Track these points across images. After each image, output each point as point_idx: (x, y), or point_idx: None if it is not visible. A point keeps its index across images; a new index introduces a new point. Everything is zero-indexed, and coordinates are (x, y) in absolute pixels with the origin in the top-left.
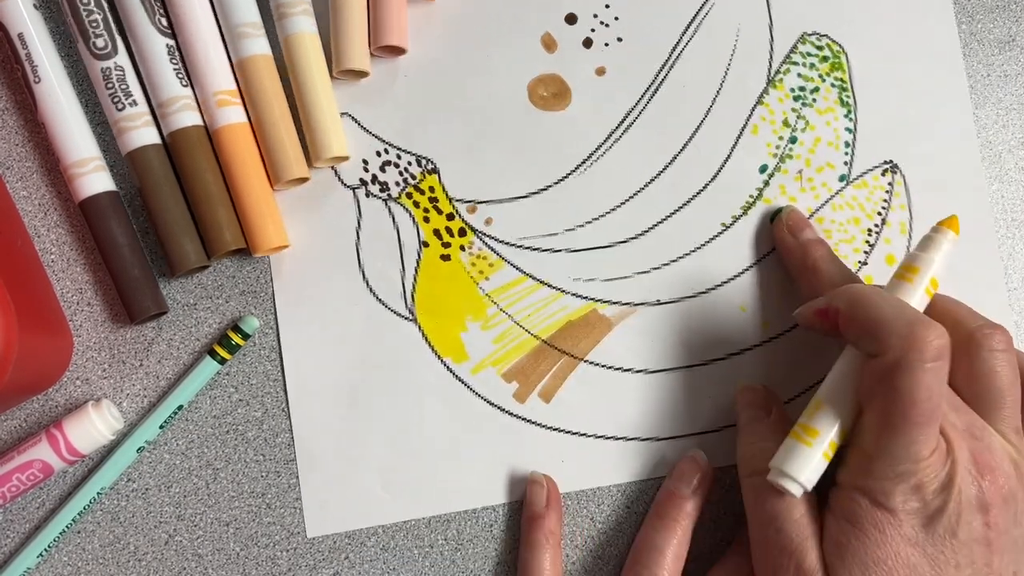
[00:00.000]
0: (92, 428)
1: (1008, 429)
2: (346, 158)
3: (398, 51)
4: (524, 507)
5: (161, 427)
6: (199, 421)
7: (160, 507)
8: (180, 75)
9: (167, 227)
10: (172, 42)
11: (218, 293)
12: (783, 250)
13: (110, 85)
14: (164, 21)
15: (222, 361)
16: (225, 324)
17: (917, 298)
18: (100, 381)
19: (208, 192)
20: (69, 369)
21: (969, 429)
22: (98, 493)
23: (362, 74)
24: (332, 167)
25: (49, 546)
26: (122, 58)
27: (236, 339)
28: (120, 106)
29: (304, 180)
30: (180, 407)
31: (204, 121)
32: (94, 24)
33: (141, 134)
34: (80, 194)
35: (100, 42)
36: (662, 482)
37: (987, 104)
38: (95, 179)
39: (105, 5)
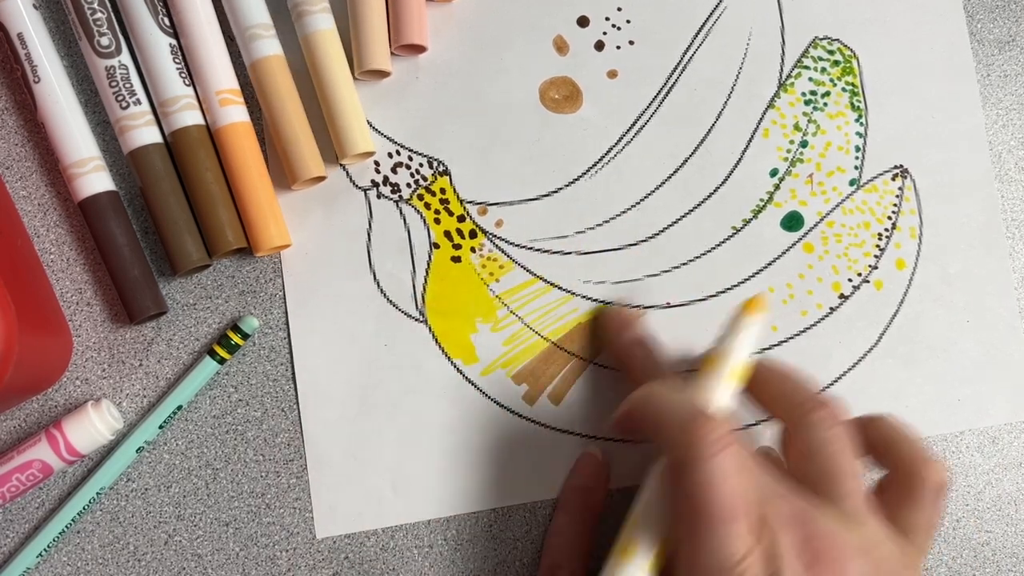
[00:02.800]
0: (92, 428)
1: (850, 509)
2: (372, 153)
3: (418, 49)
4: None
5: (160, 427)
6: (199, 421)
7: (160, 507)
8: (182, 74)
9: (168, 226)
10: (175, 41)
11: (218, 293)
12: (610, 350)
13: (114, 83)
14: (167, 20)
15: (221, 361)
16: (225, 324)
17: (717, 390)
18: (100, 381)
19: (209, 191)
20: (69, 369)
21: (797, 516)
22: (97, 493)
23: (382, 74)
24: (344, 168)
25: (49, 546)
26: (126, 57)
27: (236, 339)
28: (124, 104)
29: (321, 179)
30: (179, 407)
31: (206, 120)
32: (98, 23)
33: (143, 133)
34: (80, 194)
35: (105, 40)
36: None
37: (987, 104)
38: (95, 179)
39: (108, 4)
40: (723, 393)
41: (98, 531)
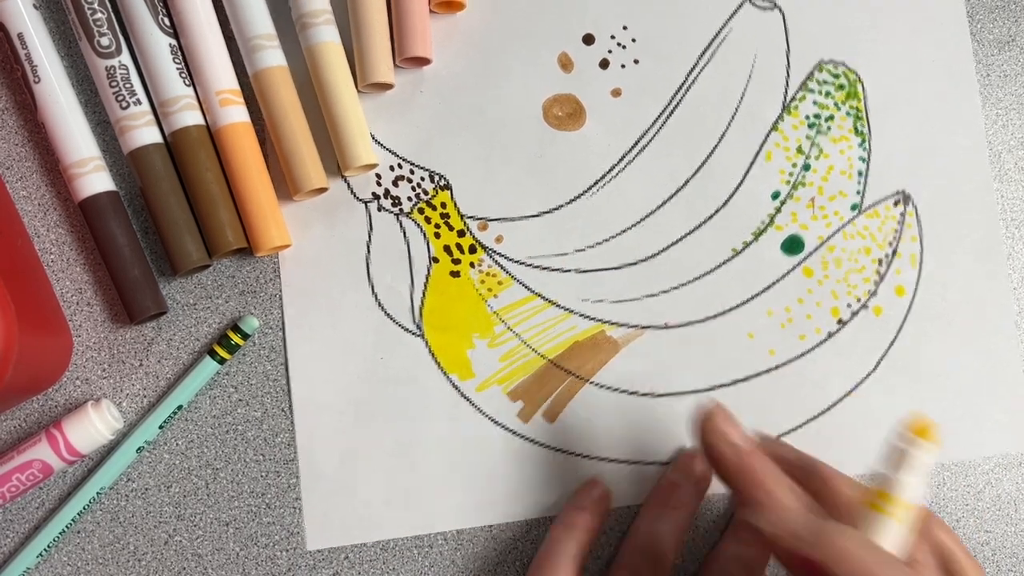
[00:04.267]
0: (92, 428)
1: None
2: (375, 165)
3: (422, 62)
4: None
5: (160, 427)
6: (199, 421)
7: (160, 507)
8: (183, 74)
9: (169, 226)
10: (175, 41)
11: (218, 293)
12: (714, 460)
13: (114, 84)
14: (167, 20)
15: (221, 361)
16: (225, 324)
17: (889, 537)
18: (100, 381)
19: (209, 192)
20: (69, 369)
21: None
22: (98, 493)
23: (386, 87)
24: (345, 180)
25: (49, 546)
26: (126, 57)
27: (236, 339)
28: (124, 104)
29: (323, 190)
30: (180, 407)
31: (206, 121)
32: (98, 23)
33: (143, 133)
34: (80, 194)
35: (105, 40)
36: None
37: (987, 104)
38: (95, 179)
39: (108, 4)
40: (897, 541)
41: (98, 531)
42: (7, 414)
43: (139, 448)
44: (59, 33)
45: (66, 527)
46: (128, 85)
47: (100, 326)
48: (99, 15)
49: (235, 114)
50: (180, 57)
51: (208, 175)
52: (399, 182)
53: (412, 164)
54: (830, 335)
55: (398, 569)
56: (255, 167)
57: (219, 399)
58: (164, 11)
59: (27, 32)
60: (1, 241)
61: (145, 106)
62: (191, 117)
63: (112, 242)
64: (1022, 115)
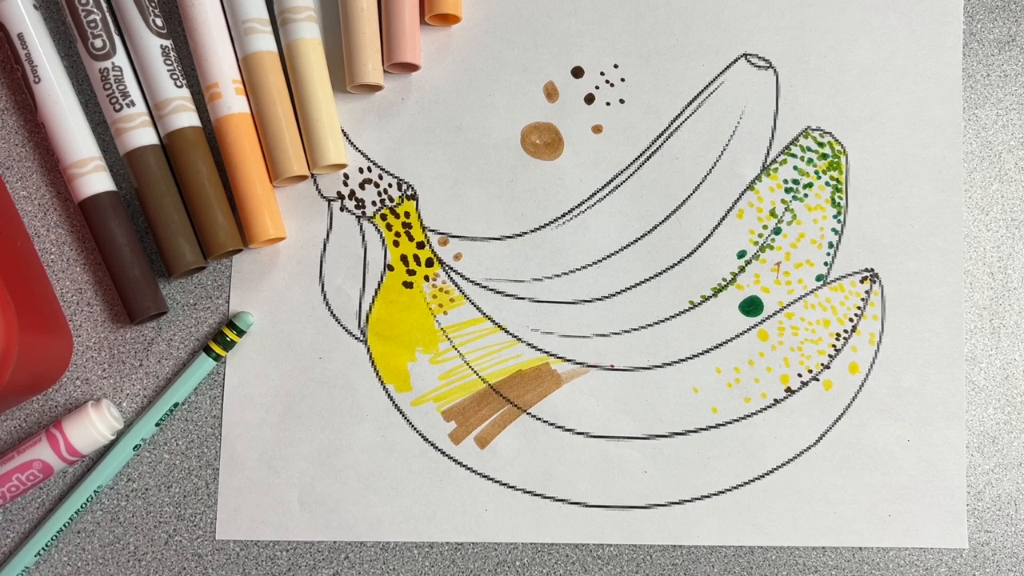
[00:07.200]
0: (92, 428)
1: None
2: (344, 166)
3: (409, 68)
4: None
5: (157, 424)
6: (199, 421)
7: (160, 507)
8: (175, 76)
9: (163, 228)
10: (167, 43)
11: (218, 293)
12: None
13: (108, 86)
14: (159, 22)
15: (217, 358)
16: (226, 324)
17: None
18: (100, 381)
19: (204, 193)
20: (69, 369)
21: None
22: (95, 491)
23: (374, 88)
24: (313, 176)
25: (47, 545)
26: (120, 59)
27: (231, 335)
28: (117, 107)
29: (304, 178)
30: (176, 404)
31: (202, 120)
32: (92, 24)
33: (138, 135)
34: (80, 194)
35: (98, 43)
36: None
37: (987, 104)
38: (95, 179)
39: (104, 5)
40: None
41: (98, 531)
42: (7, 414)
43: (136, 446)
44: (59, 33)
45: (64, 526)
46: (121, 87)
47: (100, 326)
48: (93, 16)
49: (240, 104)
50: (172, 58)
51: (202, 177)
52: (366, 185)
53: (382, 169)
54: (776, 402)
55: (398, 569)
56: (254, 159)
57: (218, 398)
58: (156, 12)
59: (27, 32)
60: (1, 241)
61: (139, 108)
62: (186, 119)
63: (112, 242)
64: (1022, 115)
